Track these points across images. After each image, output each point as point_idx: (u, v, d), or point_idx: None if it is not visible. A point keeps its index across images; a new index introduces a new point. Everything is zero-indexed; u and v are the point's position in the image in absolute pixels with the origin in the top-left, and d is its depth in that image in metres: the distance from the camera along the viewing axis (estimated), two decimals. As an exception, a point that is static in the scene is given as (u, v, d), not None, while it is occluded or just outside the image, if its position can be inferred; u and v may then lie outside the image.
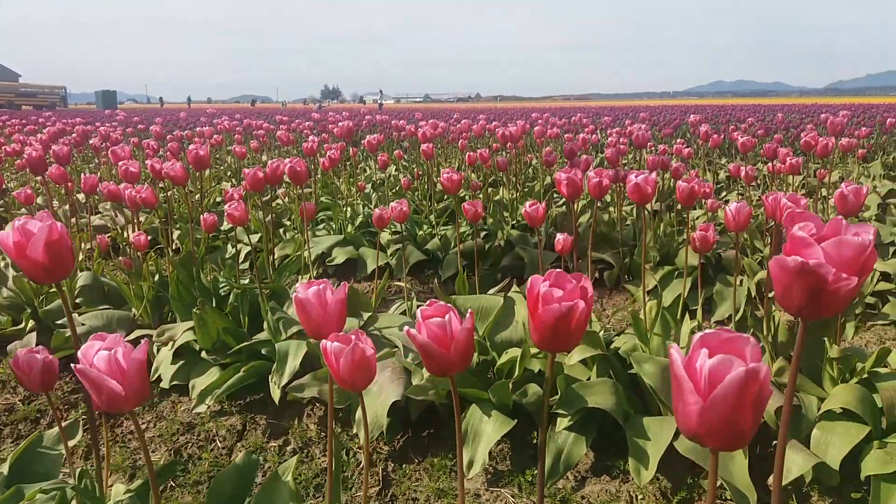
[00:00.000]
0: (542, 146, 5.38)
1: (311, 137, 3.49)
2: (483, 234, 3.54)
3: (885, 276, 2.83)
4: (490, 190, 4.40)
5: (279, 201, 4.19)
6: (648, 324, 1.82)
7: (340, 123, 3.82)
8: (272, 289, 2.35)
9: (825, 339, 1.69)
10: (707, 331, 0.53)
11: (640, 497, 1.62)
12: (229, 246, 3.50)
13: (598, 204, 4.13)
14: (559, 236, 1.96)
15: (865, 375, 1.65)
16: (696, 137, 6.46)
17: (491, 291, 2.25)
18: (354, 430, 1.91)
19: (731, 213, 1.68)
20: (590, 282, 0.76)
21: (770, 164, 3.62)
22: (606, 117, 8.82)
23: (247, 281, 2.51)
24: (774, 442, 1.61)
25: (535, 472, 1.71)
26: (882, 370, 1.66)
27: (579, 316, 0.73)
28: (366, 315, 2.16)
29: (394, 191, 4.53)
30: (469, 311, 0.80)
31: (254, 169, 2.15)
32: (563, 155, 3.20)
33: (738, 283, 2.92)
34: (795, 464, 1.48)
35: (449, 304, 0.79)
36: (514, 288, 2.17)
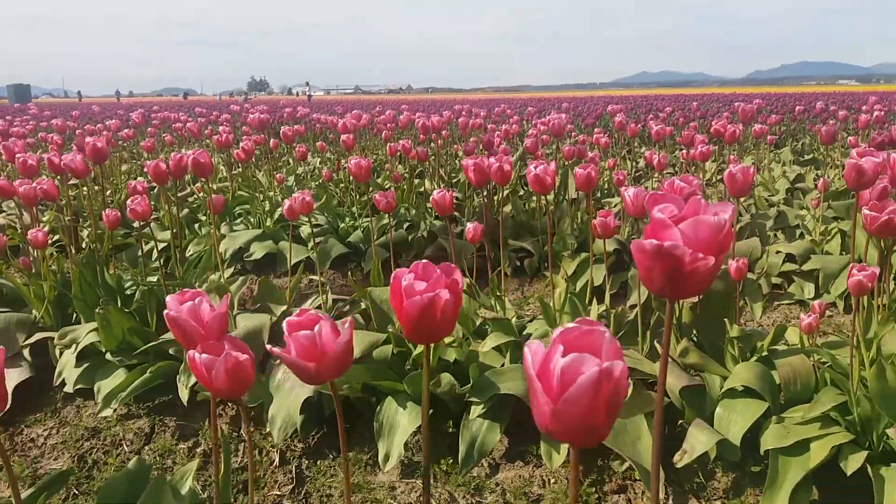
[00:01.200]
0: (467, 137, 5.39)
1: (221, 129, 3.38)
2: (406, 225, 3.52)
3: (791, 258, 2.95)
4: (416, 181, 4.38)
5: (197, 196, 4.06)
6: (557, 306, 1.83)
7: (252, 115, 3.72)
8: (186, 286, 2.27)
9: (725, 319, 1.74)
10: (568, 325, 0.51)
11: (552, 481, 1.63)
12: (142, 243, 3.37)
13: (521, 193, 4.17)
14: (469, 225, 1.95)
15: (765, 353, 1.71)
16: (620, 128, 6.61)
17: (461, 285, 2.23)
18: (268, 429, 1.87)
19: (629, 199, 1.70)
20: (459, 273, 0.75)
21: (684, 151, 3.72)
22: (531, 108, 8.92)
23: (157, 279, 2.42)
24: (681, 421, 1.65)
25: (451, 461, 1.70)
26: (780, 347, 1.73)
27: (444, 307, 0.71)
28: (278, 311, 2.10)
29: (317, 183, 4.46)
30: (349, 319, 0.77)
31: (156, 161, 2.07)
32: (482, 146, 3.21)
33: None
34: (700, 441, 1.52)
35: (319, 314, 0.76)
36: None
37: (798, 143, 7.36)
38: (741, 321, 1.85)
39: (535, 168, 1.80)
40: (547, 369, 0.49)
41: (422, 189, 4.17)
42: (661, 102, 13.37)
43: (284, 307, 2.16)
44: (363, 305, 2.11)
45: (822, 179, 2.98)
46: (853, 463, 1.44)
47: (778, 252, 2.94)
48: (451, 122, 5.10)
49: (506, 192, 3.94)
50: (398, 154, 3.93)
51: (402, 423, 1.70)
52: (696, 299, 1.87)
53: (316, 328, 0.74)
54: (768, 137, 5.31)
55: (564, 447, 1.58)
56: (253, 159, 5.00)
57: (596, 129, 5.85)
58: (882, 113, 5.45)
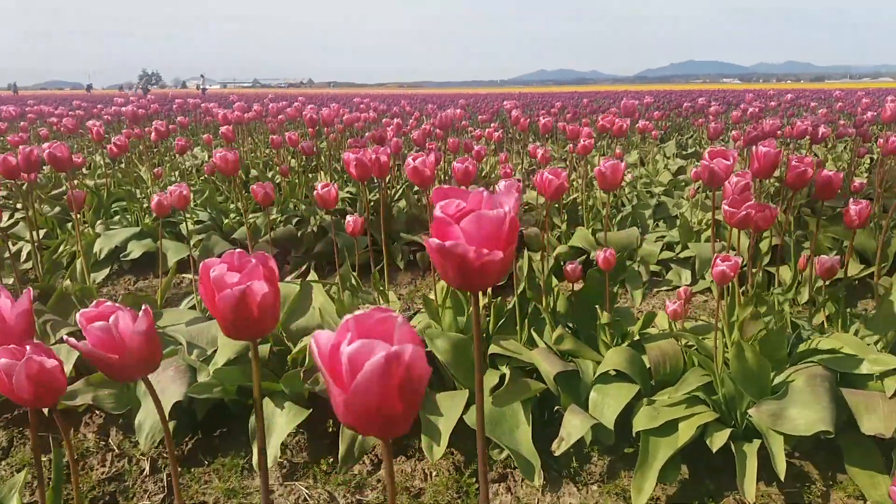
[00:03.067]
0: (363, 131, 5.32)
1: (90, 123, 3.19)
2: (296, 220, 3.43)
3: (669, 246, 3.07)
4: (311, 175, 4.28)
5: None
6: (440, 300, 1.82)
7: (125, 108, 3.53)
8: (45, 289, 2.11)
9: (598, 305, 1.78)
10: (359, 311, 0.49)
11: (434, 473, 1.62)
12: (10, 244, 3.13)
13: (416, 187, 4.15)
14: (349, 218, 1.91)
15: (636, 338, 1.76)
16: (514, 123, 6.70)
17: (288, 278, 2.17)
18: (136, 437, 1.76)
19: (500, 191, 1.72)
20: (275, 262, 0.71)
21: (570, 145, 3.81)
22: (431, 104, 8.94)
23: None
24: (557, 407, 1.67)
25: (331, 460, 1.66)
26: (651, 331, 1.78)
27: (262, 301, 0.67)
28: (149, 311, 1.99)
29: (202, 178, 4.28)
30: (144, 307, 0.72)
31: (4, 155, 1.91)
32: (374, 140, 3.17)
33: (540, 257, 3.05)
34: (575, 427, 1.55)
35: (115, 305, 0.71)
36: (312, 274, 2.10)
37: (682, 137, 7.71)
38: (632, 308, 1.89)
39: (414, 160, 1.78)
40: (336, 358, 0.47)
41: (315, 184, 4.08)
42: (557, 99, 13.72)
43: (155, 310, 2.05)
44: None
45: (694, 170, 3.11)
46: (718, 440, 1.51)
47: (656, 241, 3.06)
48: (342, 115, 5.02)
49: (401, 187, 3.91)
50: (289, 148, 3.82)
51: (279, 423, 1.65)
52: (572, 287, 1.91)
53: (112, 319, 0.68)
54: (653, 132, 5.52)
55: (444, 439, 1.57)
56: (136, 154, 4.76)
57: (493, 124, 5.92)
58: (757, 109, 5.78)
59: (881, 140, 2.97)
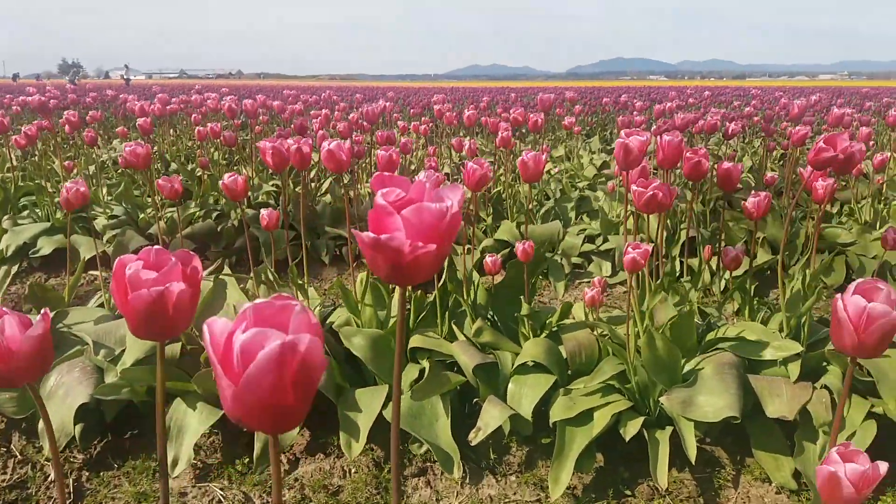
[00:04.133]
0: (289, 123, 5.22)
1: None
2: (216, 214, 3.33)
3: (591, 239, 3.13)
4: (235, 168, 4.17)
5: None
6: (359, 295, 1.80)
7: (31, 98, 3.35)
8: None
9: (521, 297, 1.79)
10: (259, 300, 0.47)
11: (353, 471, 1.60)
12: None
13: (346, 181, 4.10)
14: (263, 212, 1.86)
15: (554, 329, 1.78)
16: (439, 116, 6.70)
17: (202, 274, 2.09)
18: (40, 442, 1.68)
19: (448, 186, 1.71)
20: (198, 259, 0.69)
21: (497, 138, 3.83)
22: (358, 95, 8.86)
23: None
24: (476, 399, 1.68)
25: (247, 460, 1.62)
26: (568, 322, 1.81)
27: (178, 301, 0.64)
28: (52, 313, 1.89)
29: (118, 171, 4.12)
30: (44, 310, 0.68)
31: None
32: (296, 130, 3.11)
33: (465, 251, 3.06)
34: (492, 417, 1.55)
35: (3, 308, 0.66)
36: (226, 270, 2.04)
37: (606, 132, 7.88)
38: (556, 299, 1.91)
39: (329, 144, 1.74)
40: (230, 348, 0.44)
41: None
42: (490, 94, 13.79)
43: (61, 308, 1.95)
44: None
45: (616, 165, 3.17)
46: (631, 428, 1.54)
47: (578, 233, 3.11)
48: (270, 106, 4.91)
49: (326, 181, 3.86)
50: (214, 141, 3.71)
51: (192, 424, 1.60)
52: (492, 279, 1.92)
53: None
54: (575, 128, 5.62)
55: (363, 436, 1.55)
56: (51, 146, 4.54)
57: (423, 118, 5.91)
58: (675, 105, 5.95)
59: (790, 135, 3.09)
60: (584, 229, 3.19)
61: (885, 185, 3.23)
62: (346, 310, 1.80)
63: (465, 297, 1.81)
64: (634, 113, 5.86)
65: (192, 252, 0.71)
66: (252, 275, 1.89)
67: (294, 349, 0.43)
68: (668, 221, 3.04)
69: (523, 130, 7.26)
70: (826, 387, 1.55)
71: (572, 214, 3.46)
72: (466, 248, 3.07)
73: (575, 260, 2.99)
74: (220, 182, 1.84)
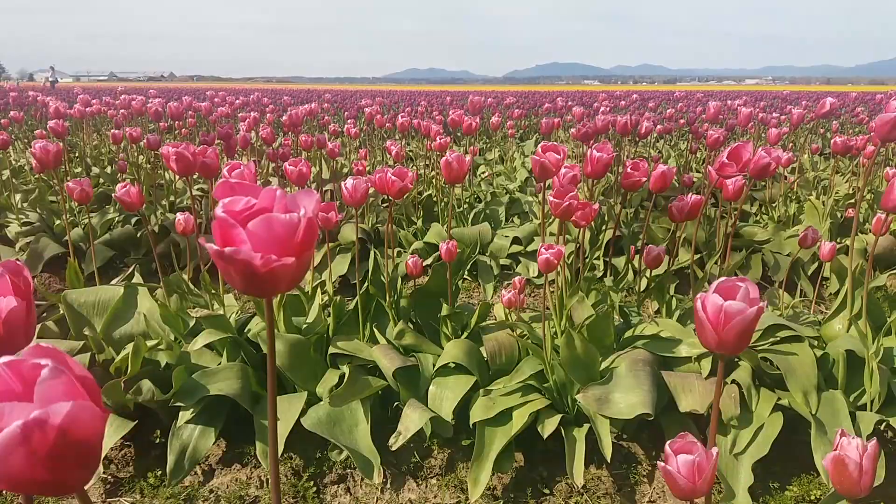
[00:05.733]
0: (215, 126, 5.10)
1: None
2: (135, 220, 3.22)
3: (518, 240, 3.15)
4: (160, 172, 4.03)
5: None
6: (275, 302, 1.76)
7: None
8: None
9: (441, 299, 1.79)
10: (11, 358, 0.40)
11: (270, 481, 1.56)
12: None
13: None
14: (179, 216, 1.81)
15: (477, 330, 1.78)
16: (370, 119, 6.66)
17: (114, 281, 2.02)
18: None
19: (346, 190, 1.68)
20: (28, 271, 0.64)
21: (428, 142, 3.83)
22: (287, 98, 8.73)
23: None
24: (396, 403, 1.66)
25: (160, 473, 1.56)
26: (490, 322, 1.81)
27: (9, 317, 0.59)
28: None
29: (36, 177, 3.94)
30: None
31: None
32: (221, 137, 3.03)
33: (395, 254, 3.04)
34: (412, 421, 1.54)
35: None
36: (137, 277, 1.97)
37: (541, 136, 7.99)
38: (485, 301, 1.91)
39: (204, 154, 1.69)
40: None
41: (163, 181, 3.85)
42: (426, 98, 13.82)
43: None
44: (61, 311, 1.87)
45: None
46: (549, 427, 1.55)
47: (507, 235, 3.13)
48: (198, 108, 4.78)
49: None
50: (133, 144, 3.58)
51: (100, 438, 1.53)
52: (414, 283, 1.91)
53: None
54: (509, 131, 5.68)
55: (280, 445, 1.52)
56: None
57: (351, 121, 5.86)
58: (606, 108, 6.07)
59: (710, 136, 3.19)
60: (513, 231, 3.22)
61: (795, 185, 3.36)
62: (260, 318, 1.76)
63: (388, 301, 1.80)
64: (565, 117, 5.95)
65: (20, 262, 0.65)
66: (163, 282, 1.82)
67: (42, 426, 0.37)
68: (593, 222, 3.09)
69: (458, 134, 7.29)
70: (735, 381, 1.59)
71: (503, 217, 3.49)
72: (397, 251, 3.06)
73: (504, 261, 3.01)
74: (114, 194, 1.77)
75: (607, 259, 2.82)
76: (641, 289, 2.05)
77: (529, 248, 3.03)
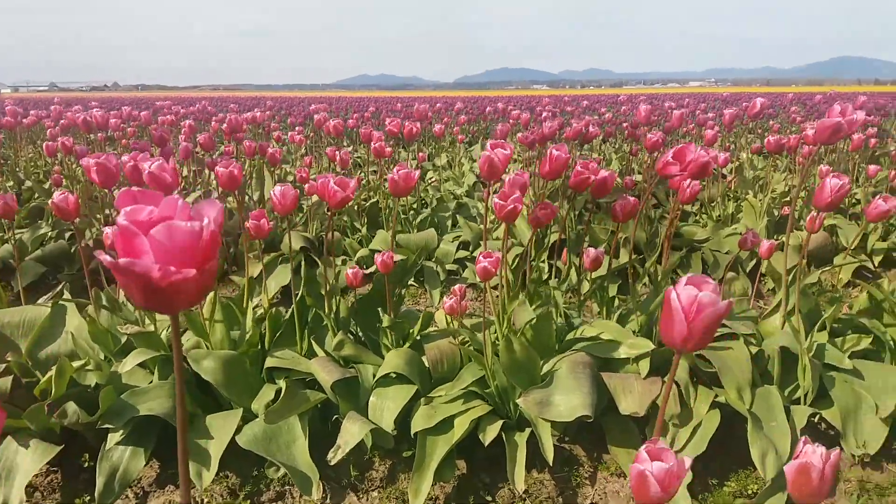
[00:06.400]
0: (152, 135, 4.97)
1: None
2: (69, 234, 3.11)
3: (465, 245, 3.15)
4: (93, 184, 3.91)
5: None
6: (206, 313, 1.71)
7: None
8: None
9: (379, 308, 1.76)
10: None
11: (206, 500, 1.52)
12: None
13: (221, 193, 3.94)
14: (107, 230, 1.74)
15: (418, 338, 1.76)
16: (319, 126, 6.58)
17: (42, 299, 1.94)
18: None
19: (276, 197, 1.65)
20: None
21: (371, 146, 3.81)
22: (233, 105, 8.59)
23: None
24: (336, 416, 1.63)
25: (88, 499, 1.50)
26: (431, 330, 1.79)
27: None
28: None
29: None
30: None
31: None
32: (153, 142, 2.95)
33: (340, 262, 3.01)
34: (352, 434, 1.51)
35: None
36: (67, 295, 1.90)
37: (489, 140, 8.02)
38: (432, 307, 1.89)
39: (151, 166, 1.63)
40: None
41: (98, 194, 3.74)
42: (376, 104, 13.74)
43: None
44: (-17, 332, 1.79)
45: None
46: (490, 433, 1.54)
47: (454, 240, 3.12)
48: (134, 118, 4.66)
49: (195, 194, 3.69)
50: (67, 155, 3.46)
51: (23, 464, 1.46)
52: (354, 293, 1.88)
53: None
54: (459, 137, 5.68)
55: (214, 464, 1.47)
56: None
57: (298, 128, 5.79)
58: (550, 113, 6.13)
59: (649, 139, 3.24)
60: (459, 236, 3.21)
61: (733, 184, 3.44)
62: (194, 333, 1.71)
63: (327, 311, 1.76)
64: (511, 121, 5.97)
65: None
66: (93, 299, 1.75)
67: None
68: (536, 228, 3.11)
69: (404, 140, 7.27)
70: (674, 380, 1.61)
71: (449, 222, 3.48)
72: (342, 259, 3.02)
73: (450, 267, 3.00)
74: (51, 200, 1.71)
75: (553, 262, 2.84)
76: (584, 291, 2.06)
77: (476, 253, 3.03)
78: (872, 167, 3.54)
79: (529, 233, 2.97)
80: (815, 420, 1.74)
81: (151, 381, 1.65)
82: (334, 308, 1.79)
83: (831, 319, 1.80)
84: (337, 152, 3.16)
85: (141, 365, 1.67)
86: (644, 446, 0.75)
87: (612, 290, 2.63)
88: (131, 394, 1.53)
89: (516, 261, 2.69)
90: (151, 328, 1.70)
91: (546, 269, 2.92)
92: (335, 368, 1.62)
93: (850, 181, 1.55)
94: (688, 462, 0.74)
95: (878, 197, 1.82)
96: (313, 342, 1.71)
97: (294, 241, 2.93)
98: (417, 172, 1.85)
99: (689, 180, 1.84)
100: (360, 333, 1.85)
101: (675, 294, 0.77)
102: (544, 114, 6.00)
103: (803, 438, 0.75)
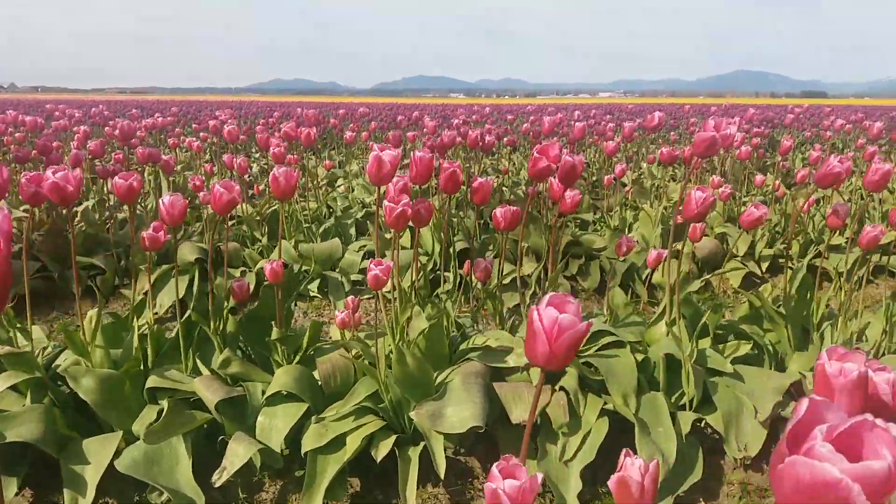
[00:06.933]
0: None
1: None
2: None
3: (371, 255, 3.12)
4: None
5: None
6: (89, 334, 1.62)
7: None
8: None
9: (272, 323, 1.72)
10: None
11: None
12: None
13: (110, 202, 3.76)
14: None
15: (311, 353, 1.73)
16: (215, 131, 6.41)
17: None
18: None
19: (164, 207, 1.58)
20: None
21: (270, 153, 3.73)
22: (134, 110, 8.26)
23: None
24: (222, 437, 1.57)
25: (-54, 536, 1.39)
26: (323, 344, 1.76)
27: None
28: None
29: None
30: None
31: None
32: (39, 151, 2.79)
33: (240, 274, 2.92)
34: (238, 455, 1.46)
35: None
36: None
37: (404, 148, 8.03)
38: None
39: (54, 174, 1.54)
40: None
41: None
42: (275, 109, 13.51)
43: None
44: None
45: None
46: (383, 449, 1.52)
47: (359, 250, 3.09)
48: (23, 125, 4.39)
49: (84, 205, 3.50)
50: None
51: None
52: (246, 307, 1.82)
53: None
54: (369, 143, 5.66)
55: (91, 490, 1.39)
56: None
57: (202, 134, 5.62)
58: (460, 121, 6.19)
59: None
60: (365, 245, 3.18)
61: (630, 193, 3.56)
62: (73, 352, 1.62)
63: (213, 327, 1.70)
64: (424, 129, 6.01)
65: None
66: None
67: None
68: (442, 234, 3.12)
69: (318, 146, 7.17)
70: (563, 388, 1.63)
71: (353, 230, 3.44)
72: (242, 270, 2.94)
73: (355, 277, 2.97)
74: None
75: (458, 270, 2.85)
76: (480, 299, 2.08)
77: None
78: (759, 177, 3.74)
79: (437, 243, 2.98)
80: (702, 425, 1.81)
81: (24, 405, 1.55)
82: (221, 323, 1.73)
83: (713, 326, 1.87)
84: (235, 159, 3.07)
85: (13, 388, 1.56)
86: (496, 464, 0.75)
87: (514, 298, 2.67)
88: (0, 419, 1.42)
89: (422, 271, 2.69)
90: (28, 348, 1.59)
91: (452, 279, 2.94)
92: (220, 387, 1.56)
93: (730, 191, 1.63)
94: (540, 478, 0.75)
95: (750, 205, 1.91)
96: (198, 360, 1.65)
97: (189, 253, 2.83)
98: (298, 172, 1.81)
99: (568, 191, 1.89)
100: (250, 350, 1.80)
101: (537, 315, 0.78)
102: (455, 122, 6.05)
103: (625, 451, 0.77)
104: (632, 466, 0.78)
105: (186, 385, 1.59)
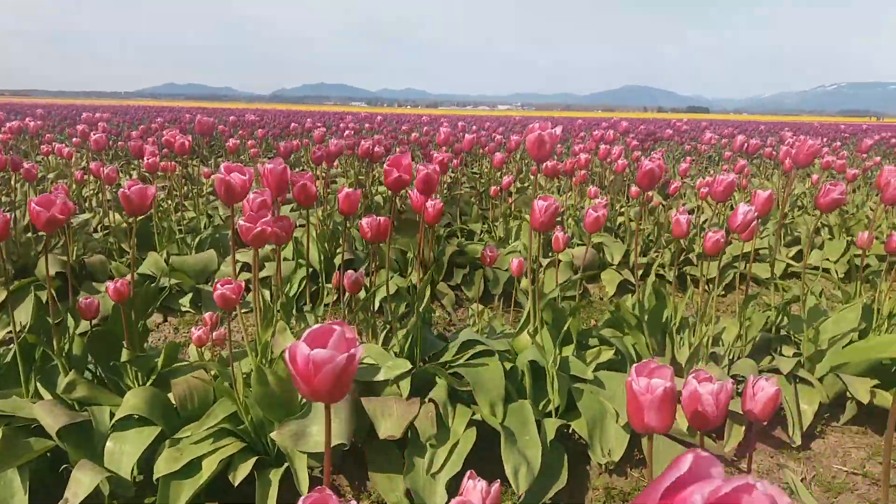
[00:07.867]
0: None
1: None
2: None
3: (248, 268, 3.02)
4: None
5: None
6: None
7: None
8: None
9: (123, 342, 1.62)
10: None
11: None
12: None
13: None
14: None
15: (166, 374, 1.64)
16: (84, 137, 6.07)
17: None
18: None
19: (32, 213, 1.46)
20: None
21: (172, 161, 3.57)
22: (1, 113, 7.69)
23: None
24: (65, 465, 1.46)
25: None
26: (181, 365, 1.67)
27: None
28: None
29: None
30: None
31: None
32: None
33: (47, 290, 2.75)
34: (82, 485, 1.36)
35: None
36: None
37: (297, 156, 7.87)
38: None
39: None
40: None
41: None
42: (158, 114, 12.96)
43: None
44: None
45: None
46: (242, 472, 1.46)
47: (236, 262, 2.98)
48: None
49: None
50: None
51: None
52: (96, 325, 1.71)
53: None
54: (252, 151, 5.51)
55: None
56: None
57: (75, 140, 5.30)
58: (351, 132, 6.14)
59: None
60: (243, 257, 3.08)
61: (513, 204, 3.63)
62: None
63: (58, 348, 1.58)
64: (314, 139, 5.90)
65: None
66: None
67: None
68: (327, 245, 3.06)
69: (205, 153, 6.92)
70: (432, 400, 1.62)
71: (230, 242, 3.32)
72: (48, 286, 2.77)
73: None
74: None
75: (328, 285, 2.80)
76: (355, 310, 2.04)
77: (262, 275, 2.91)
78: (634, 188, 3.89)
79: (319, 253, 2.92)
80: (569, 431, 1.84)
81: None
82: (67, 344, 1.62)
83: (575, 332, 1.92)
84: (103, 167, 2.90)
85: None
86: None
87: (399, 309, 2.65)
88: None
89: (303, 282, 2.62)
90: None
91: (333, 292, 2.89)
92: (63, 412, 1.45)
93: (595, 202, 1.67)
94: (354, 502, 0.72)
95: (588, 208, 1.98)
96: (39, 384, 1.53)
97: (49, 266, 2.63)
98: (153, 188, 1.72)
99: (430, 202, 1.90)
100: (101, 372, 1.68)
101: (289, 355, 0.70)
102: (347, 132, 5.99)
103: (469, 472, 0.76)
104: (473, 490, 0.77)
105: (26, 411, 1.47)
